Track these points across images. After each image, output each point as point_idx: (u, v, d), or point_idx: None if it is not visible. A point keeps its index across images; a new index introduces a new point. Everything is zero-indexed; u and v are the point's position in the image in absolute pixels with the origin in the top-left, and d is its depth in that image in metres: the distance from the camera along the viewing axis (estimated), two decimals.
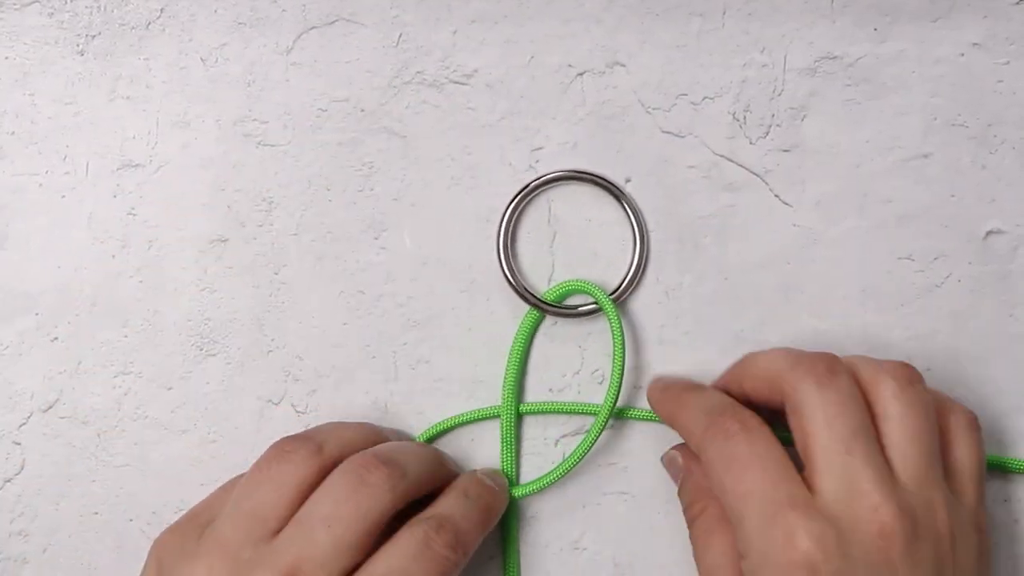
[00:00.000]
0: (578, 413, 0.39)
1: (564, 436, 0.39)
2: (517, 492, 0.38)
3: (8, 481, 0.40)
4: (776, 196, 0.39)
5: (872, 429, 0.32)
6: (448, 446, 0.39)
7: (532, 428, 0.39)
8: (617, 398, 0.37)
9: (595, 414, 0.38)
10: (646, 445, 0.39)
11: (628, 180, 0.39)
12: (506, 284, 0.38)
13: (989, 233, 0.38)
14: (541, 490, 0.38)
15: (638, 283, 0.39)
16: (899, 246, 0.38)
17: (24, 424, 0.40)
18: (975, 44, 0.38)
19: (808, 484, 0.31)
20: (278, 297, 0.40)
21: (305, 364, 0.39)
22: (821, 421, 0.32)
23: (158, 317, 0.40)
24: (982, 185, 0.38)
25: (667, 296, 0.39)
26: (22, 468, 0.40)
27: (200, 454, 0.40)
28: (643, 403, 0.39)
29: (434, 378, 0.39)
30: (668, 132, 0.39)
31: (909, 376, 0.33)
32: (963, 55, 0.38)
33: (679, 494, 0.37)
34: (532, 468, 0.39)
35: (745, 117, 0.39)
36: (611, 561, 0.39)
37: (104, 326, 0.40)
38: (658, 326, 0.39)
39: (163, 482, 0.40)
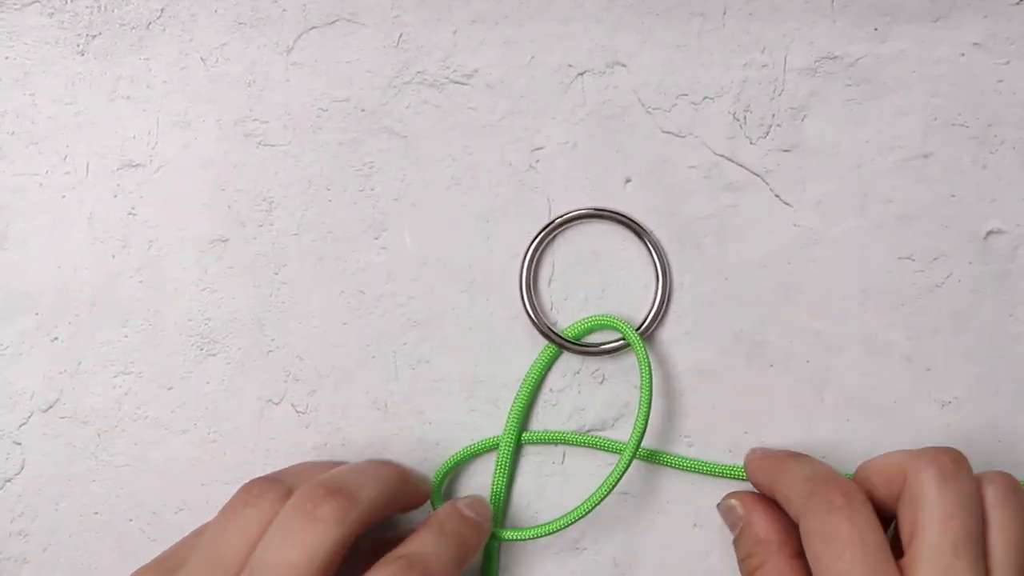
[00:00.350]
0: (584, 446, 0.38)
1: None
2: (508, 535, 0.37)
3: (8, 481, 0.40)
4: (776, 196, 0.39)
5: (983, 536, 0.31)
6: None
7: (531, 428, 0.39)
8: (640, 442, 0.36)
9: (603, 447, 0.38)
10: (646, 444, 0.39)
11: (628, 180, 0.39)
12: (527, 319, 0.38)
13: (989, 233, 0.38)
14: (536, 538, 0.37)
15: (662, 319, 0.39)
16: (899, 246, 0.38)
17: (24, 424, 0.40)
18: (975, 44, 0.38)
19: (904, 573, 0.31)
20: (278, 297, 0.40)
21: (305, 364, 0.39)
22: (938, 517, 0.31)
23: (158, 317, 0.40)
24: (982, 185, 0.38)
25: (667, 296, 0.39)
26: (22, 468, 0.40)
27: (200, 454, 0.40)
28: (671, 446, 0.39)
29: (434, 378, 0.39)
30: (668, 132, 0.39)
31: (1010, 484, 0.33)
32: (963, 55, 0.38)
33: (734, 543, 0.36)
34: (531, 467, 0.39)
35: (745, 117, 0.39)
36: (611, 561, 0.39)
37: (104, 326, 0.40)
38: (657, 326, 0.39)
39: (163, 482, 0.40)
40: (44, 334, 0.40)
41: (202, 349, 0.40)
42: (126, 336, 0.40)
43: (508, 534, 0.37)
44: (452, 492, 0.39)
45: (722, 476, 0.38)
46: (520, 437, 0.39)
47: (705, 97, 0.39)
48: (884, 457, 0.34)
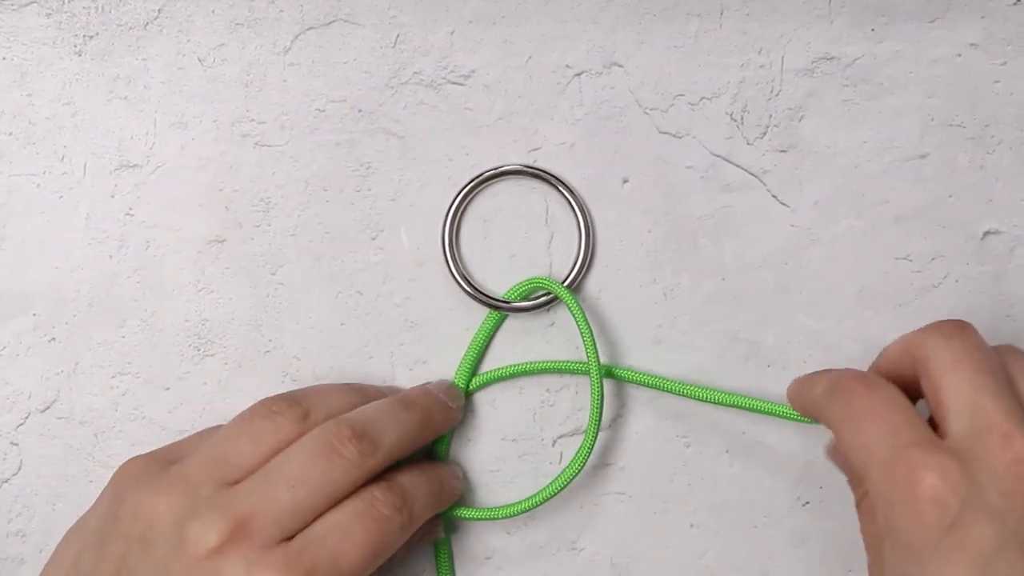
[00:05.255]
0: (541, 372, 0.39)
1: (561, 436, 0.39)
2: (491, 514, 0.38)
3: (6, 482, 0.40)
4: (774, 197, 0.39)
5: (1004, 371, 0.31)
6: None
7: (528, 427, 0.39)
8: (598, 362, 0.37)
9: (560, 370, 0.38)
10: (644, 445, 0.39)
11: (626, 180, 0.39)
12: (457, 288, 0.39)
13: (986, 233, 0.38)
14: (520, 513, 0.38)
15: (588, 268, 0.39)
16: (897, 246, 0.38)
17: (22, 424, 0.40)
18: (972, 45, 0.38)
19: (940, 433, 0.30)
20: (276, 298, 0.40)
21: (303, 364, 0.39)
22: (947, 366, 0.31)
23: (156, 318, 0.40)
24: (979, 185, 0.38)
25: (664, 296, 0.39)
26: (20, 468, 0.40)
27: None
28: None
29: (431, 378, 0.39)
30: (666, 132, 0.39)
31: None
32: (960, 56, 0.38)
33: (849, 483, 0.35)
34: (528, 468, 0.39)
35: (743, 118, 0.39)
36: (608, 562, 0.39)
37: (101, 326, 0.40)
38: (655, 326, 0.39)
39: None
40: (41, 334, 0.40)
41: (199, 350, 0.40)
42: (123, 336, 0.40)
43: (499, 512, 0.38)
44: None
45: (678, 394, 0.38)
46: (469, 385, 0.39)
47: (702, 98, 0.39)
48: (892, 344, 0.34)
